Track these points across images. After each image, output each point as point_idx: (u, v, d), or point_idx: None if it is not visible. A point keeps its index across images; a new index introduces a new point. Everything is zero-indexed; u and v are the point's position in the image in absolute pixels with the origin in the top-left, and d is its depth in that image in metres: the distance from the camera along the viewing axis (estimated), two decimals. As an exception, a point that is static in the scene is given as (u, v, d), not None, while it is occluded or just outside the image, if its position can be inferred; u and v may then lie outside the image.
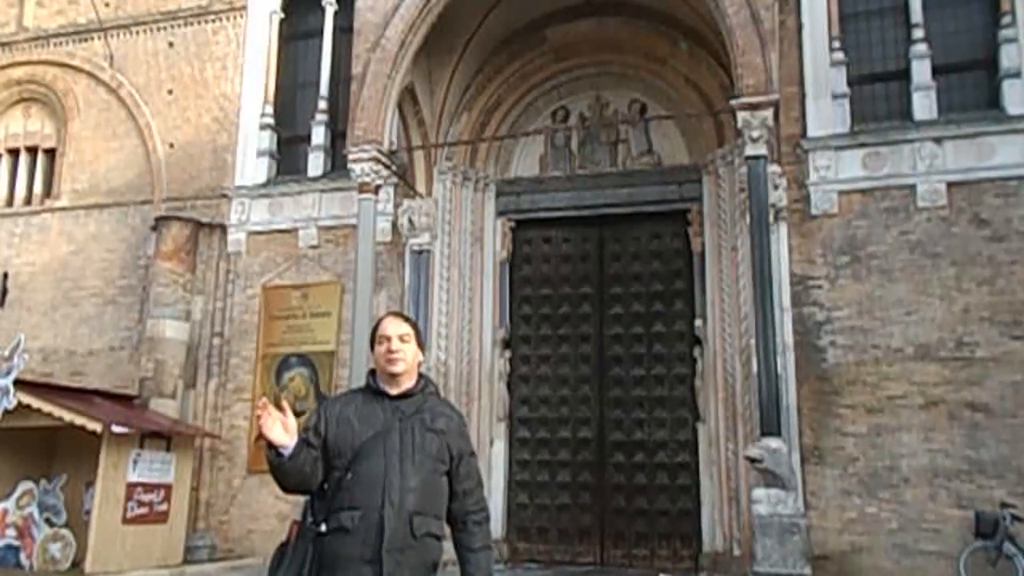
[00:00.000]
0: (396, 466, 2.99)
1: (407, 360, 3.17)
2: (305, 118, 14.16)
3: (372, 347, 3.25)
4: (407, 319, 3.31)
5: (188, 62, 14.84)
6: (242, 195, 13.89)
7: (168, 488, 11.74)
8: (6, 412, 10.80)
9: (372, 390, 3.19)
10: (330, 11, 14.13)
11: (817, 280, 11.01)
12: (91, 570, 10.53)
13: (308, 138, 13.97)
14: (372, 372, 3.26)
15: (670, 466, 11.94)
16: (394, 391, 3.15)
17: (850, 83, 11.53)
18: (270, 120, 14.17)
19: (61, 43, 15.71)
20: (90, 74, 15.36)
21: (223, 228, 13.83)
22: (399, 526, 2.92)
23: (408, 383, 3.17)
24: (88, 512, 11.17)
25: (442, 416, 3.17)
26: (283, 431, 2.98)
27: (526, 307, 13.04)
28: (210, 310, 13.61)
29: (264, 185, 13.90)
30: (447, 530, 3.13)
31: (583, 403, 12.50)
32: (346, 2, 12.98)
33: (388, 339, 3.17)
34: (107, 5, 15.39)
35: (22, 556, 11.11)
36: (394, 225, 12.73)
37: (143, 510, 11.31)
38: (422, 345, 3.30)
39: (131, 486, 11.18)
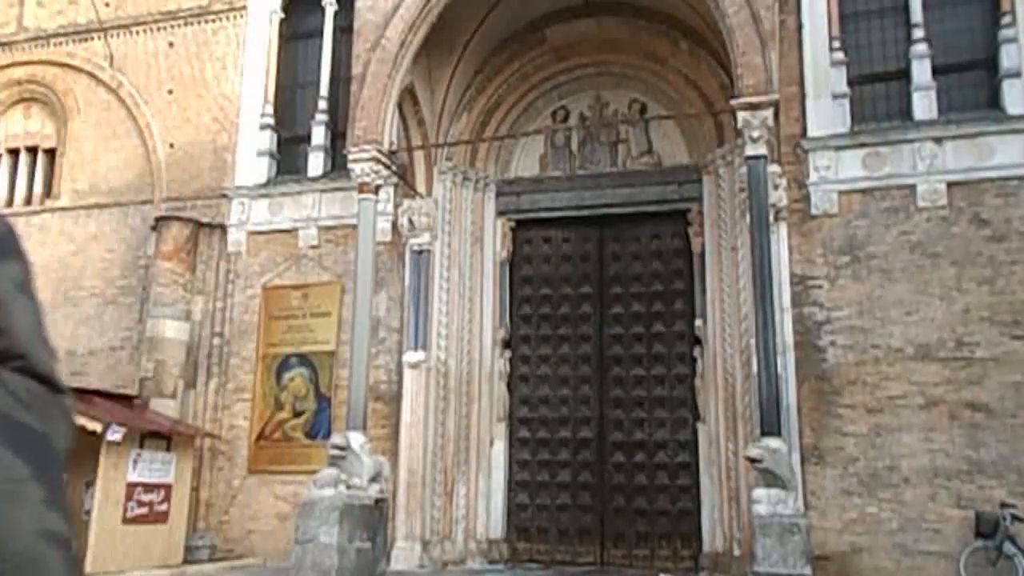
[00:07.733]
0: None
1: None
2: (305, 118, 14.15)
3: None
4: None
5: (188, 62, 14.84)
6: (242, 195, 13.88)
7: (168, 488, 11.74)
8: (6, 412, 10.78)
9: None
10: (330, 11, 14.12)
11: (817, 280, 11.01)
12: (91, 570, 10.51)
13: (308, 138, 13.97)
14: None
15: (670, 466, 11.95)
16: None
17: (850, 83, 11.53)
18: (270, 120, 14.16)
19: (61, 43, 15.71)
20: (90, 74, 15.36)
21: (223, 228, 13.83)
22: None
23: None
24: (88, 512, 11.15)
25: None
26: None
27: (526, 307, 13.04)
28: (210, 310, 13.60)
29: (264, 185, 13.90)
30: None
31: (583, 403, 12.50)
32: (346, 2, 12.98)
33: None
34: (107, 5, 15.39)
35: (22, 556, 11.09)
36: (394, 225, 12.73)
37: (143, 510, 11.32)
38: None
39: (131, 486, 11.19)
